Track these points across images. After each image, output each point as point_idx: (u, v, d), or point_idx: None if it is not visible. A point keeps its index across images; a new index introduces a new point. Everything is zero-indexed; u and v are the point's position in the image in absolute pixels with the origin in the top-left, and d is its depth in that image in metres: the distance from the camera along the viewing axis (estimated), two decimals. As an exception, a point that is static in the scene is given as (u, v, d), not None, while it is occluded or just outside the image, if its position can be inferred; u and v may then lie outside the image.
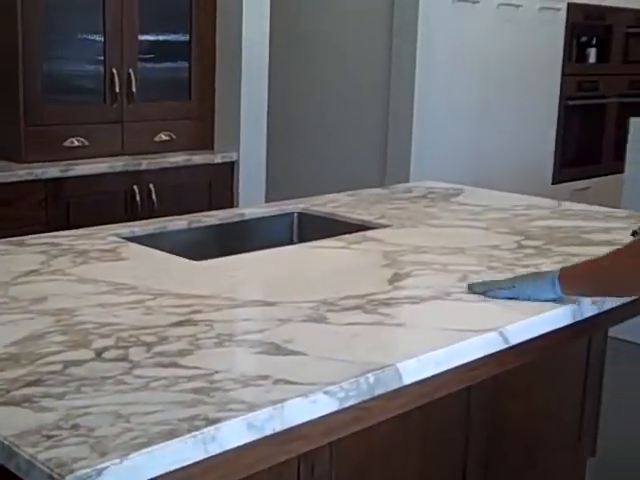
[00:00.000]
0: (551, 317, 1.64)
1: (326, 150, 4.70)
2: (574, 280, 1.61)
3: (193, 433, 1.07)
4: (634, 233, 1.66)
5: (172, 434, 1.06)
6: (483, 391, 2.19)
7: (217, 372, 1.27)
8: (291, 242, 2.47)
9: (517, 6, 4.64)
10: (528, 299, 1.63)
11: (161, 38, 3.86)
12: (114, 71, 3.58)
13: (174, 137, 3.85)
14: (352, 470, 1.86)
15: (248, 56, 3.83)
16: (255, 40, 3.85)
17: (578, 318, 1.70)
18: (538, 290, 1.62)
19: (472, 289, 1.70)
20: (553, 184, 5.18)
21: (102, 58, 3.57)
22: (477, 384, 2.03)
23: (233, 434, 1.12)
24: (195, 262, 1.93)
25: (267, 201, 3.83)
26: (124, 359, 1.31)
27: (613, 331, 3.87)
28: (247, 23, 3.79)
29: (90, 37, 3.61)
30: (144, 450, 1.02)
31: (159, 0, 3.84)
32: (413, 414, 1.94)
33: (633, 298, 1.81)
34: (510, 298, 1.64)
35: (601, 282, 1.61)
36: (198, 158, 3.82)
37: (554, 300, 1.62)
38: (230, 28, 3.82)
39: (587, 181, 5.35)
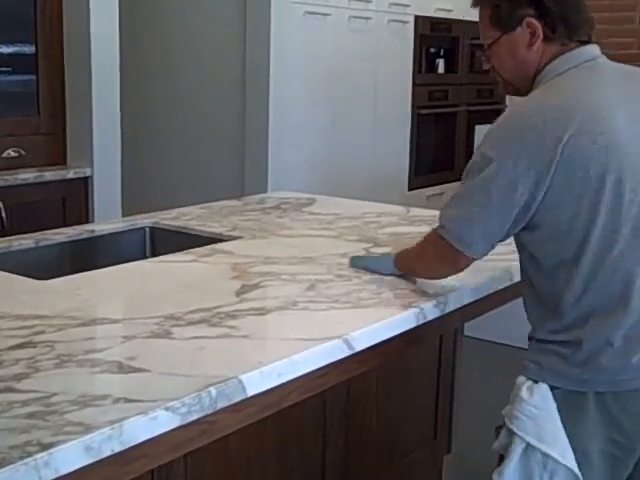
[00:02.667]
0: (394, 322, 1.69)
1: (184, 161, 4.66)
2: (399, 261, 1.94)
3: (25, 460, 1.04)
4: None
5: (1, 463, 1.03)
6: (339, 397, 2.23)
7: (55, 394, 1.24)
8: (144, 257, 2.44)
9: (367, 18, 4.75)
10: (377, 272, 1.97)
11: (5, 50, 3.72)
12: (-46, 85, 3.44)
13: (23, 153, 3.73)
14: (208, 484, 1.85)
15: (98, 68, 3.74)
16: (105, 51, 3.76)
17: (422, 321, 1.76)
18: (383, 266, 1.97)
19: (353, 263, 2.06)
20: (409, 191, 5.33)
21: (-59, 71, 3.43)
22: (332, 390, 2.07)
23: (69, 458, 1.09)
24: (40, 281, 1.88)
25: (125, 215, 3.76)
26: (-46, 387, 1.26)
27: (468, 329, 4.04)
28: (95, 34, 3.70)
29: None
30: (-30, 482, 0.99)
31: (0, 10, 3.71)
32: (269, 424, 1.97)
33: (479, 297, 1.95)
34: (368, 269, 1.99)
35: (408, 265, 1.92)
36: (50, 174, 3.70)
37: (392, 275, 1.95)
38: (77, 39, 3.72)
39: (441, 187, 5.53)
